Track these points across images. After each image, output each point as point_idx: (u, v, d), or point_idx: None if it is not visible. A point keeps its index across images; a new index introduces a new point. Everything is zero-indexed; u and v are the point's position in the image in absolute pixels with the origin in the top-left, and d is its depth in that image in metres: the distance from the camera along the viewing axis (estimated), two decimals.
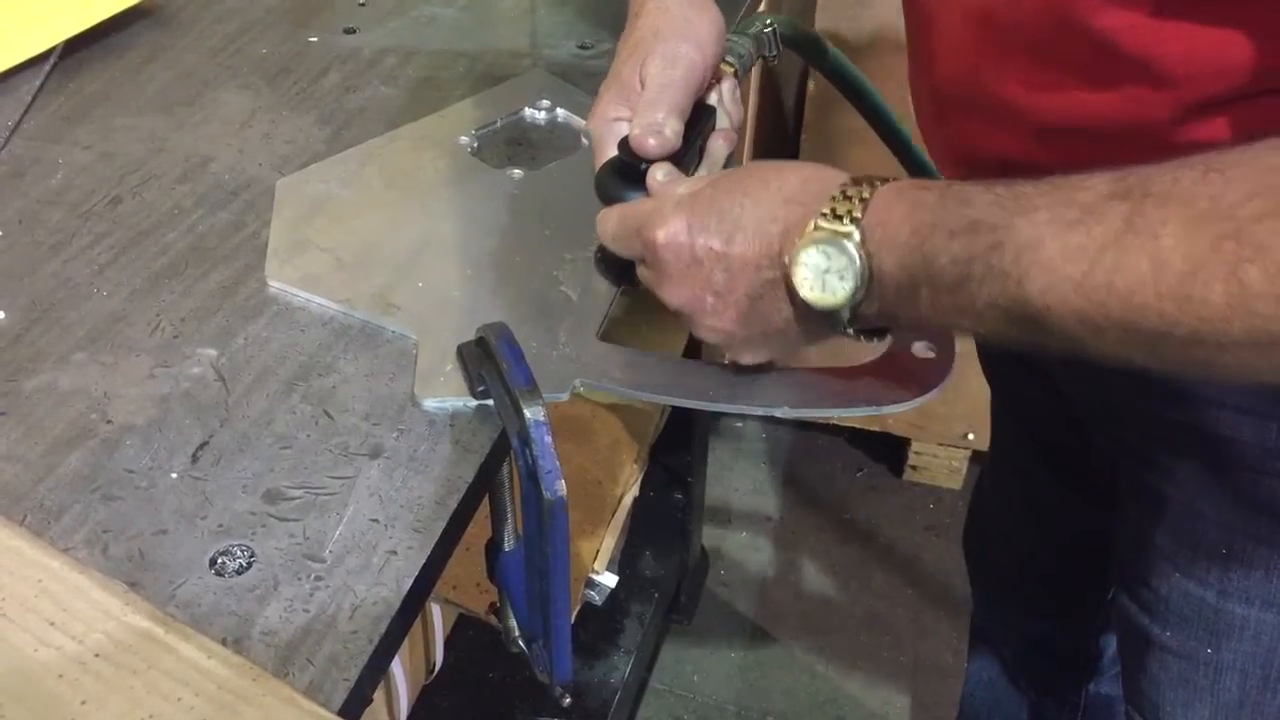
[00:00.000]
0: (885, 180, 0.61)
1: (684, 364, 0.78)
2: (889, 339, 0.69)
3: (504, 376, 0.69)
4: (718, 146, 0.81)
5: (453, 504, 0.68)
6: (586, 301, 0.81)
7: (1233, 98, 0.62)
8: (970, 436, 2.01)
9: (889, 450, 2.15)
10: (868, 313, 0.61)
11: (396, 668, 1.07)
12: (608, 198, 0.76)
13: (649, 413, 1.34)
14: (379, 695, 1.06)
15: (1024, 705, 1.30)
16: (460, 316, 0.79)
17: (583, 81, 1.04)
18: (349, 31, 1.11)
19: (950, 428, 2.02)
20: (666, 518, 1.66)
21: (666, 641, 1.86)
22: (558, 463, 0.66)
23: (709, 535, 1.99)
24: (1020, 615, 1.26)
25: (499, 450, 0.73)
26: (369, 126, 0.98)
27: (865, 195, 0.60)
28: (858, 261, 0.59)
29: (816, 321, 0.64)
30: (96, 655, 0.56)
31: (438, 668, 1.21)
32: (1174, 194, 0.49)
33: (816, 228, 0.60)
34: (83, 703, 0.54)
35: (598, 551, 1.18)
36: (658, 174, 0.73)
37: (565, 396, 0.75)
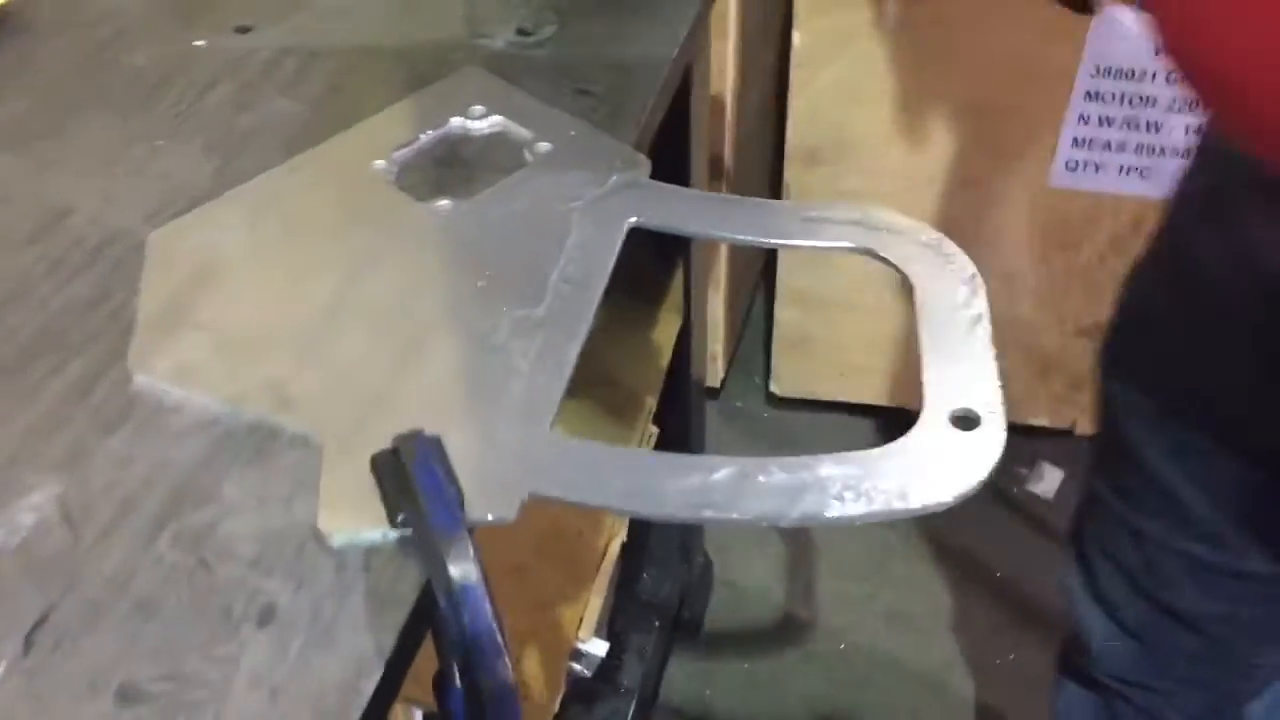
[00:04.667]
0: None
1: (661, 463, 0.61)
2: None
3: (423, 517, 0.53)
4: None
5: (367, 689, 0.52)
6: (537, 376, 0.64)
7: None
8: None
9: (900, 426, 1.99)
10: None
11: None
12: None
13: (637, 433, 1.17)
14: None
15: None
16: (377, 408, 0.63)
17: (524, 78, 0.85)
18: (242, 30, 0.92)
19: None
20: (664, 532, 1.50)
21: (674, 656, 1.71)
22: (501, 638, 0.50)
23: (711, 534, 1.83)
24: None
25: (431, 599, 0.56)
26: (264, 153, 0.80)
27: None
28: None
29: None
30: None
31: None
32: None
33: None
34: None
35: (582, 618, 1.03)
36: None
37: (512, 517, 0.58)
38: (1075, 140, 1.52)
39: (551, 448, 0.61)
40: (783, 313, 1.85)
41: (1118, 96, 1.47)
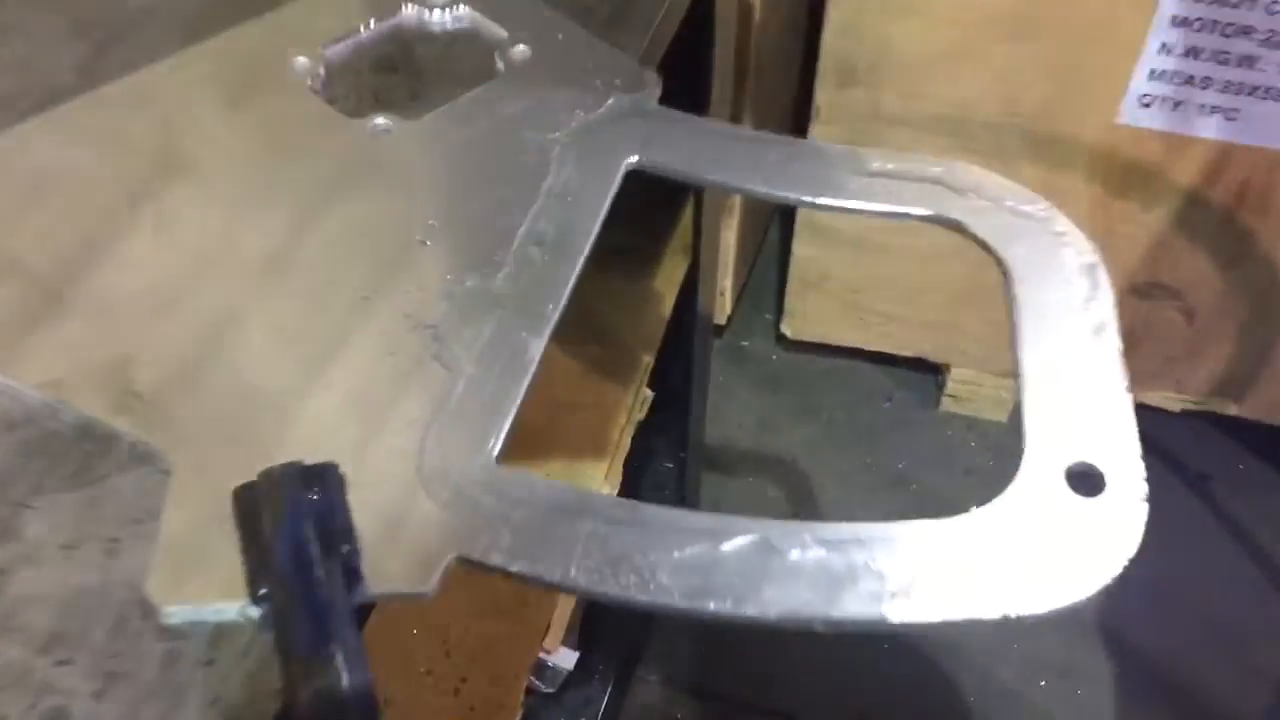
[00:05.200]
0: None
1: (651, 522, 0.43)
2: None
3: (282, 603, 0.35)
4: None
5: None
6: (484, 378, 0.46)
7: None
8: None
9: (922, 375, 1.82)
10: None
11: None
12: None
13: (626, 401, 0.99)
14: None
15: None
16: (261, 417, 0.45)
17: None
18: None
19: (999, 354, 1.67)
20: (656, 495, 1.33)
21: (659, 625, 1.55)
22: None
23: (707, 483, 1.66)
24: None
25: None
26: (151, 41, 0.61)
27: None
28: None
29: None
30: None
31: None
32: None
33: None
34: None
35: (549, 623, 0.85)
36: None
37: (429, 589, 0.40)
38: (1153, 72, 1.31)
39: (494, 488, 0.43)
40: (801, 248, 1.65)
41: (1209, 24, 1.26)
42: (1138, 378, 1.61)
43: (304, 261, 0.50)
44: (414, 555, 0.41)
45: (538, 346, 0.47)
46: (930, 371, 1.80)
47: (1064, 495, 0.43)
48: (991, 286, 1.59)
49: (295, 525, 0.37)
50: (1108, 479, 0.43)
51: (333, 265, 0.50)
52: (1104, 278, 0.49)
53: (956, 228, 0.50)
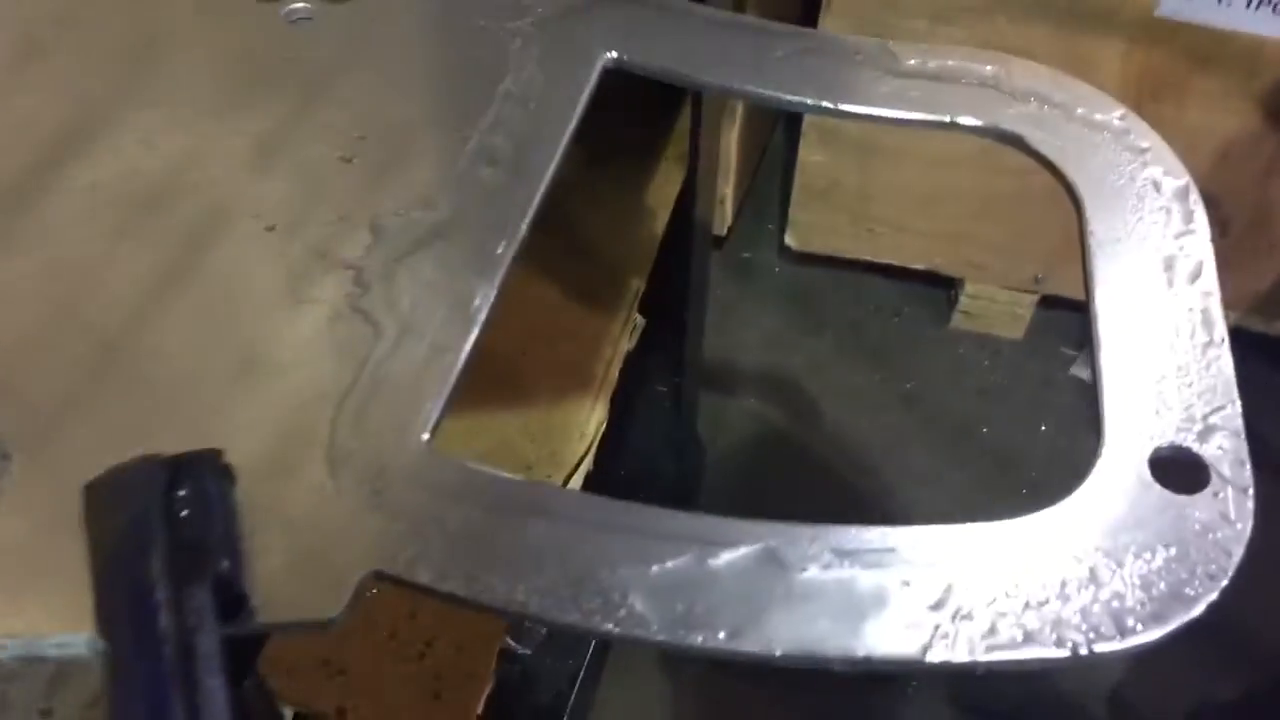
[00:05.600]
0: None
1: (623, 521, 0.33)
2: None
3: (118, 649, 0.26)
4: None
5: None
6: (418, 336, 0.36)
7: None
8: (1040, 278, 1.58)
9: (933, 289, 1.72)
10: None
11: None
12: None
13: (613, 330, 0.89)
14: None
15: None
16: (125, 385, 0.35)
17: None
18: None
19: (1016, 267, 1.58)
20: (648, 426, 1.24)
21: None
22: None
23: (706, 406, 1.57)
24: None
25: None
26: None
27: None
28: None
29: None
30: None
31: None
32: None
33: None
34: None
35: None
36: None
37: (336, 612, 0.31)
38: None
39: (424, 480, 0.34)
40: (808, 153, 1.55)
41: None
42: None
43: (191, 182, 0.40)
44: (318, 570, 0.32)
45: (486, 295, 0.37)
46: (942, 286, 1.70)
47: (1150, 491, 0.33)
48: (1009, 195, 1.48)
49: (138, 549, 0.27)
50: (1209, 469, 0.34)
51: (228, 188, 0.40)
52: (1199, 206, 0.39)
53: (1015, 143, 0.40)
